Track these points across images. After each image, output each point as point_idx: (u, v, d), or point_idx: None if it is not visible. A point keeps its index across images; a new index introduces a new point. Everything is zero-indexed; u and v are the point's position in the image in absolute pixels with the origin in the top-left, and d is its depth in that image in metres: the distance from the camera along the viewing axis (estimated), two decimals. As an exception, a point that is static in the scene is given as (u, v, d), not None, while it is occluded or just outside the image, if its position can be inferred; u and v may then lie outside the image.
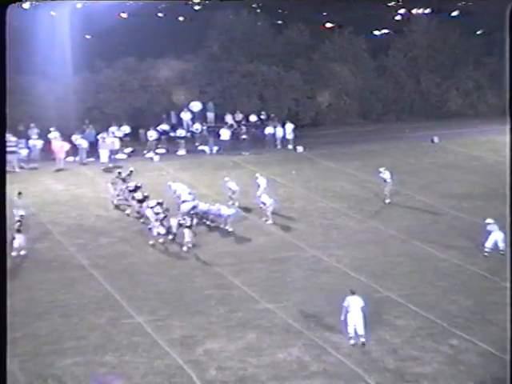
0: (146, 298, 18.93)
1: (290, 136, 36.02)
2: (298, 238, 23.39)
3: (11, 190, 24.67)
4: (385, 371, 15.07)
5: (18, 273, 20.58)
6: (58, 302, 18.74)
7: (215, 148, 35.36)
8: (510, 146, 8.90)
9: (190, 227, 22.26)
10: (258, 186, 26.25)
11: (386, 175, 26.82)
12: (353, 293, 16.39)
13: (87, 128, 34.50)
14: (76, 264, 21.43)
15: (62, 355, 15.83)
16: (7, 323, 8.39)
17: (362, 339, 16.01)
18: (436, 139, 36.66)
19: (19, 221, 21.95)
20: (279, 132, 36.06)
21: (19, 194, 24.68)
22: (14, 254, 21.21)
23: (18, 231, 21.52)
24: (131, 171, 28.02)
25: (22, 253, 21.56)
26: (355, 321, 16.04)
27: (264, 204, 24.79)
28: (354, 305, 16.14)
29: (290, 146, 35.88)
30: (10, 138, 32.29)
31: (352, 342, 16.02)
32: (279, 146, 36.00)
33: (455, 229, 23.85)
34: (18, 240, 21.39)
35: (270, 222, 24.62)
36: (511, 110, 8.51)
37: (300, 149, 35.45)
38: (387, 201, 26.64)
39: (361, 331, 16.03)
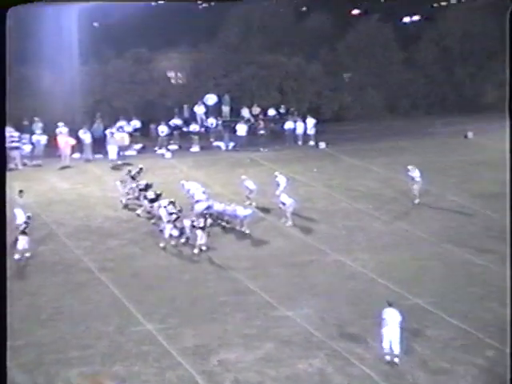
0: (156, 305, 18.91)
1: (311, 131, 35.92)
2: (320, 241, 23.29)
3: (13, 188, 25.00)
4: (414, 385, 14.93)
5: (21, 277, 20.65)
6: (63, 309, 18.77)
7: (231, 144, 35.33)
8: (509, 146, 9.05)
9: (203, 228, 22.23)
10: (278, 185, 26.17)
11: (415, 173, 26.62)
12: (389, 304, 16.06)
13: (98, 122, 34.53)
14: (82, 268, 21.45)
15: (67, 365, 15.83)
16: (7, 330, 8.29)
17: (396, 359, 15.62)
18: (470, 135, 36.37)
19: (26, 222, 22.02)
20: (300, 127, 35.95)
21: (20, 192, 24.74)
22: (16, 256, 21.28)
23: (23, 233, 21.59)
24: (141, 168, 28.05)
25: (27, 255, 21.64)
26: (391, 336, 15.69)
27: (283, 204, 24.70)
28: (391, 318, 15.80)
29: (312, 142, 35.79)
30: (13, 132, 32.48)
31: (388, 357, 15.67)
32: (300, 142, 35.91)
33: (490, 231, 23.61)
34: (22, 241, 21.46)
35: (289, 223, 24.52)
36: (511, 110, 8.67)
37: (322, 145, 35.33)
38: (416, 201, 26.45)
39: (396, 349, 15.66)
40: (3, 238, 8.55)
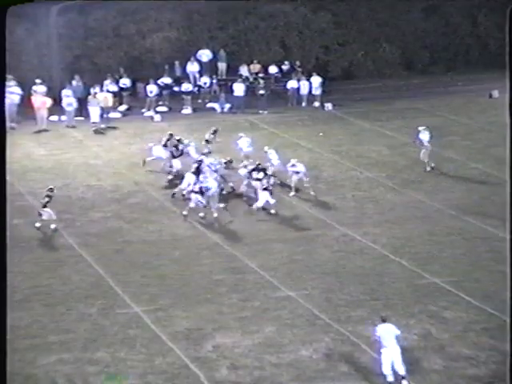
0: (144, 284, 19.03)
1: (317, 91, 35.83)
2: (327, 214, 23.36)
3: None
4: (431, 372, 15.08)
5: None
6: (41, 289, 18.89)
7: (227, 106, 35.26)
8: (509, 145, 9.32)
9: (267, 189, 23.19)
10: (270, 162, 25.59)
11: (425, 136, 26.59)
12: (383, 320, 15.12)
13: (77, 80, 34.21)
14: (62, 243, 21.58)
15: (45, 351, 15.97)
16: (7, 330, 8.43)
17: (405, 382, 14.61)
18: (496, 93, 36.20)
19: (48, 196, 22.27)
20: (304, 86, 35.84)
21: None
22: (37, 224, 22.02)
23: (45, 206, 22.05)
24: (215, 131, 27.98)
25: (52, 227, 22.03)
26: (392, 356, 14.65)
27: (297, 173, 24.60)
28: (388, 336, 14.77)
29: (317, 103, 35.71)
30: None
31: (390, 379, 14.65)
32: (304, 104, 35.84)
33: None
34: (46, 214, 21.97)
35: (292, 193, 24.55)
36: (511, 109, 9.06)
37: (329, 106, 35.24)
38: (428, 168, 26.45)
39: (401, 370, 14.60)
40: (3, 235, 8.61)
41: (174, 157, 26.26)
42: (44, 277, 19.56)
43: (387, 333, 14.78)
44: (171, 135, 27.32)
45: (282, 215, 23.30)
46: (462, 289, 18.39)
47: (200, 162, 24.86)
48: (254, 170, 24.05)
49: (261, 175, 23.77)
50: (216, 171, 24.54)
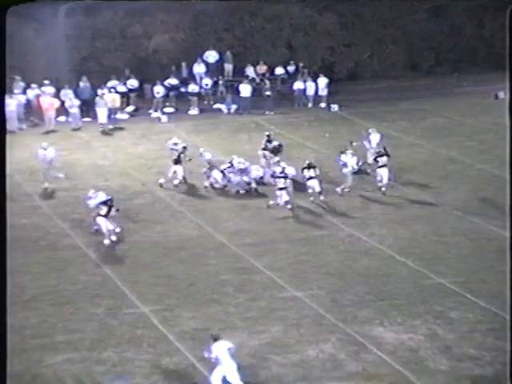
0: (151, 284, 19.02)
1: (323, 92, 35.86)
2: (333, 214, 23.32)
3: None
4: (436, 373, 15.01)
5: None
6: (48, 289, 18.89)
7: (234, 106, 35.28)
8: (509, 145, 9.22)
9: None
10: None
11: (375, 138, 26.60)
12: (215, 339, 14.36)
13: (84, 81, 34.23)
14: (69, 243, 21.57)
15: (52, 351, 15.94)
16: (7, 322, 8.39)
17: None
18: (502, 94, 36.08)
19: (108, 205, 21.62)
20: (310, 87, 35.84)
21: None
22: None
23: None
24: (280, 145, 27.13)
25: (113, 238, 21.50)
26: (227, 372, 14.07)
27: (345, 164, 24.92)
28: (223, 353, 14.15)
29: (323, 104, 35.72)
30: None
31: None
32: (310, 104, 35.86)
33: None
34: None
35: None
36: (511, 109, 9.02)
37: (335, 107, 35.25)
38: (369, 170, 26.08)
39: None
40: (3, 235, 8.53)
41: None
42: (52, 277, 19.56)
43: (222, 351, 14.20)
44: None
45: (288, 216, 23.28)
46: (467, 289, 18.33)
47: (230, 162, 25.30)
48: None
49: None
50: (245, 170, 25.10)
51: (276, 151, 26.55)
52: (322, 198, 23.95)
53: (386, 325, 16.69)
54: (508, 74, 9.05)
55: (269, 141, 27.04)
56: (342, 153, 24.97)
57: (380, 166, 24.51)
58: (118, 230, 21.53)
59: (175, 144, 26.59)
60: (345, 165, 24.94)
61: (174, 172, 25.56)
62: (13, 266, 19.94)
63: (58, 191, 25.48)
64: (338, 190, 24.67)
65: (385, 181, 24.50)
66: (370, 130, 27.29)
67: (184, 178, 25.61)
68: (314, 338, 16.33)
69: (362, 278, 19.05)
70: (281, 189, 23.48)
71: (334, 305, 17.74)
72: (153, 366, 15.44)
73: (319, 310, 17.53)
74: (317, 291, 18.42)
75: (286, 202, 23.44)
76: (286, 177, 23.76)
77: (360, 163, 25.87)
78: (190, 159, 25.99)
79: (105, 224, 21.27)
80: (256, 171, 25.56)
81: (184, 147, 26.19)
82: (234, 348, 14.40)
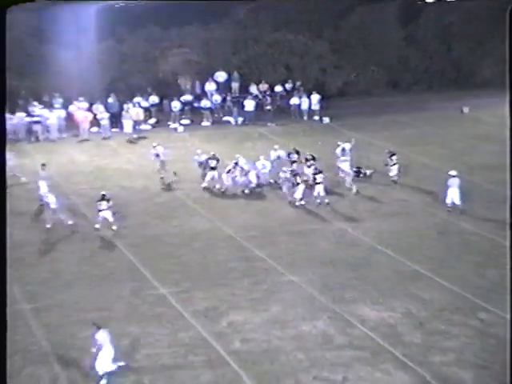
0: (169, 270, 19.01)
1: (315, 107, 35.79)
2: (324, 211, 23.28)
3: (36, 161, 24.97)
4: (411, 345, 15.01)
5: (42, 245, 20.79)
6: (81, 274, 18.89)
7: (240, 119, 35.22)
8: (509, 146, 8.91)
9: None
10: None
11: (347, 146, 26.46)
12: (98, 328, 14.14)
13: (113, 97, 34.18)
14: (98, 235, 21.56)
15: (85, 325, 15.88)
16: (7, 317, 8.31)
17: (104, 381, 13.89)
18: (466, 109, 36.06)
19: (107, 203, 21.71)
20: (305, 103, 35.80)
21: (43, 165, 24.88)
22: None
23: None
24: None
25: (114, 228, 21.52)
26: (106, 356, 13.98)
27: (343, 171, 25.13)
28: (105, 340, 14.03)
29: (316, 117, 35.67)
30: (35, 107, 32.52)
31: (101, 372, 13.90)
32: (305, 117, 35.80)
33: (487, 201, 23.50)
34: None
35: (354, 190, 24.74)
36: (511, 109, 8.55)
37: (326, 120, 35.18)
38: (342, 175, 25.75)
39: (109, 367, 14.00)
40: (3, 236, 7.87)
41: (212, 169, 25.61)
42: (84, 264, 19.53)
43: (104, 338, 14.03)
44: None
45: (286, 212, 23.24)
46: (438, 274, 18.29)
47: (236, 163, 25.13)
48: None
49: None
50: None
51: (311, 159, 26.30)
52: (326, 200, 23.80)
53: (369, 304, 16.70)
54: (508, 74, 8.44)
55: (297, 152, 26.64)
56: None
57: (317, 183, 23.89)
58: (114, 227, 21.60)
59: (199, 155, 26.18)
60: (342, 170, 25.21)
61: (213, 177, 25.33)
62: (52, 255, 20.15)
63: (89, 190, 25.48)
64: (354, 190, 24.75)
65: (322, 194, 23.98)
66: (338, 143, 26.88)
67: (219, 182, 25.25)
68: (308, 315, 16.33)
69: (349, 266, 19.02)
70: (317, 183, 23.66)
71: (325, 288, 17.71)
72: (171, 339, 15.45)
73: (313, 292, 17.50)
74: (311, 276, 18.39)
75: (316, 197, 23.56)
76: (321, 171, 23.94)
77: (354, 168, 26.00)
78: (175, 172, 25.97)
79: (108, 215, 21.55)
80: (254, 178, 25.09)
81: (216, 159, 25.60)
82: (111, 338, 14.06)
